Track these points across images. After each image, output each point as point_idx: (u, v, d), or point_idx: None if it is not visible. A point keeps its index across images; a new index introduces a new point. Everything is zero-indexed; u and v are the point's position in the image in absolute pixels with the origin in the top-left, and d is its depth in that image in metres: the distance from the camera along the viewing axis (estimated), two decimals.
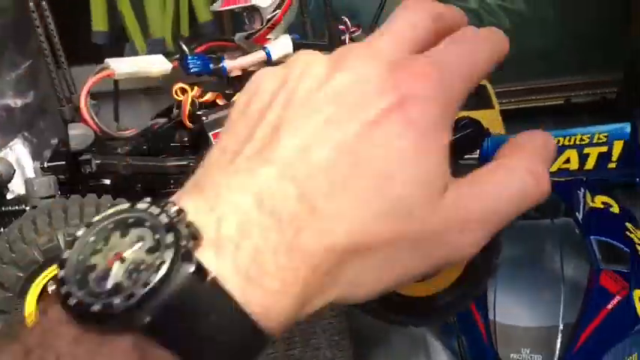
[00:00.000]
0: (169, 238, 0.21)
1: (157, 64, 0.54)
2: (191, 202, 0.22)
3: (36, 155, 1.28)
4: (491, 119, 1.00)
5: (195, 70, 0.55)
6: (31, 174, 1.30)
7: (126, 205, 0.22)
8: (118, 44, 1.24)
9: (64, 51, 1.37)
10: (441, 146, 0.24)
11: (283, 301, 0.22)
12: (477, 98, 1.04)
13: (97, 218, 0.22)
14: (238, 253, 0.21)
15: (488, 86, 1.07)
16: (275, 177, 0.23)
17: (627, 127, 0.64)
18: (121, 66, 0.53)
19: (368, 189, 0.23)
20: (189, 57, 0.55)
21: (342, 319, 0.51)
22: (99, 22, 1.19)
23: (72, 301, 0.21)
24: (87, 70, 1.41)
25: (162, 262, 0.20)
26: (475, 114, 0.99)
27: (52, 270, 0.42)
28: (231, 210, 0.22)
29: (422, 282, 0.42)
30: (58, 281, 0.21)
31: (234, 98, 0.24)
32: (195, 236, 0.21)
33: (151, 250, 0.21)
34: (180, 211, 0.22)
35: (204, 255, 0.21)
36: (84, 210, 0.42)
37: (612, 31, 1.31)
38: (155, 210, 0.22)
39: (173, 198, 0.23)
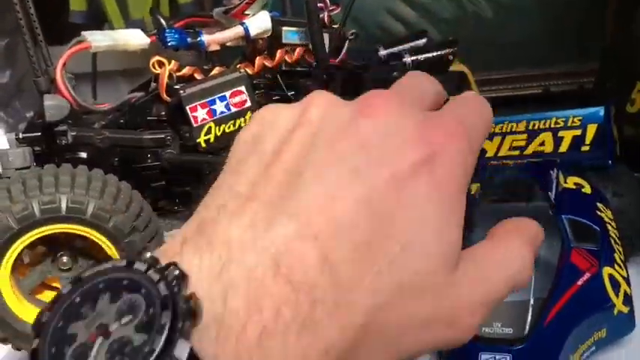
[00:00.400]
0: (164, 318, 0.18)
1: (135, 38, 0.53)
2: (196, 259, 0.19)
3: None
4: None
5: (173, 43, 0.54)
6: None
7: (123, 263, 0.19)
8: (97, 25, 1.23)
9: (41, 29, 1.36)
10: (461, 215, 0.23)
11: None
12: (458, 85, 1.04)
13: (87, 273, 0.19)
14: (243, 336, 0.18)
15: (469, 74, 1.08)
16: (295, 235, 0.20)
17: (601, 111, 0.65)
18: (98, 38, 0.53)
19: (389, 257, 0.21)
20: (167, 30, 0.54)
21: None
22: (76, 2, 1.17)
23: None
24: (65, 50, 1.40)
25: (151, 351, 0.17)
26: None
27: (28, 238, 0.42)
28: (242, 275, 0.19)
29: None
30: (31, 354, 0.18)
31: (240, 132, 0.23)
32: (194, 313, 0.18)
33: (140, 329, 0.18)
34: (182, 277, 0.19)
35: (203, 337, 0.18)
36: (59, 179, 0.42)
37: (589, 21, 1.33)
38: (154, 276, 0.18)
39: (175, 247, 0.20)
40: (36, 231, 0.41)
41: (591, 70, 1.32)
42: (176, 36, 0.54)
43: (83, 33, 0.53)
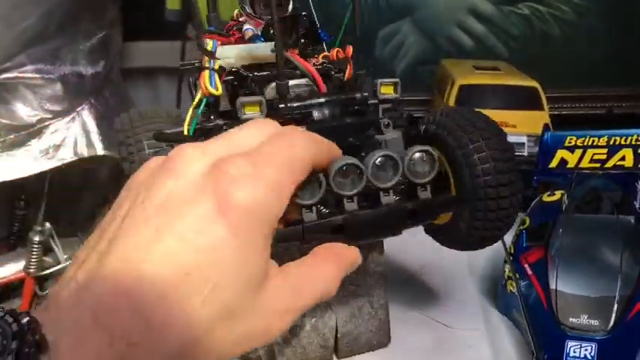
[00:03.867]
0: (13, 345, 0.22)
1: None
2: (45, 314, 0.24)
3: (100, 121, 1.35)
4: (541, 119, 1.05)
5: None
6: (95, 138, 1.38)
7: None
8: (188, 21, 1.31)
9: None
10: (261, 248, 0.26)
11: None
12: (529, 100, 1.09)
13: None
14: None
15: (540, 89, 1.12)
16: (108, 290, 0.24)
17: None
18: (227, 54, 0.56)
19: (197, 297, 0.25)
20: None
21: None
22: (173, 1, 1.25)
23: None
24: (146, 46, 1.48)
25: None
26: (526, 114, 1.05)
27: None
28: (71, 325, 0.23)
29: None
30: None
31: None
32: (40, 346, 0.23)
33: None
34: (32, 322, 0.23)
35: None
36: None
37: None
38: (9, 319, 0.23)
39: (39, 307, 0.26)
40: None
41: None
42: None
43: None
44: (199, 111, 0.51)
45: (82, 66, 1.31)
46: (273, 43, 0.55)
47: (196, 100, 0.52)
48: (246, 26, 0.58)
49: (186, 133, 0.51)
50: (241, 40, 0.58)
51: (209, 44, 0.52)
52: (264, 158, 0.28)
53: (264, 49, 0.56)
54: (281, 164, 0.28)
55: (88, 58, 1.30)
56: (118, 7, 1.39)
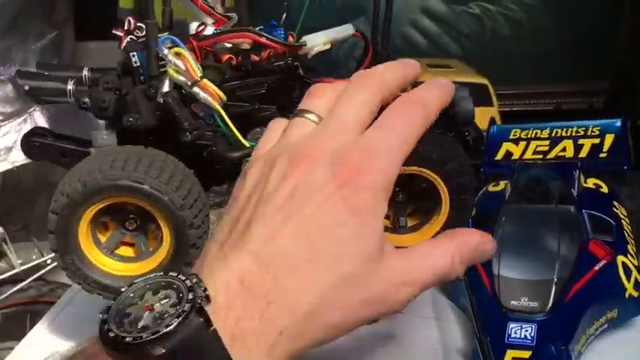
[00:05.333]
0: (190, 295, 0.30)
1: (344, 32, 0.58)
2: (202, 277, 0.31)
3: (53, 124, 1.33)
4: (490, 115, 1.08)
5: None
6: None
7: (161, 273, 0.32)
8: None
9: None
10: (377, 228, 0.33)
11: (258, 356, 0.30)
12: (479, 96, 1.12)
13: (138, 280, 0.32)
14: (227, 319, 0.30)
15: (490, 86, 1.15)
16: (251, 261, 0.31)
17: (618, 123, 0.72)
18: (312, 38, 0.57)
19: (322, 267, 0.31)
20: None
21: None
22: (125, 0, 1.24)
23: (110, 335, 0.29)
24: (97, 45, 1.46)
25: (182, 312, 0.29)
26: (476, 110, 1.08)
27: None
28: (222, 286, 0.31)
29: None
30: (101, 322, 0.30)
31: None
32: (208, 298, 0.30)
33: (174, 305, 0.30)
34: (200, 280, 0.31)
35: (211, 316, 0.29)
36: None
37: (602, 41, 1.40)
38: (182, 277, 0.31)
39: (193, 270, 0.34)
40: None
41: (602, 90, 1.40)
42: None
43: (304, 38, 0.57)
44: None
45: (34, 66, 1.28)
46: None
47: (220, 115, 0.54)
48: (209, 30, 0.58)
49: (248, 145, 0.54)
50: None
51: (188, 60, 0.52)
52: (374, 135, 0.35)
53: (345, 31, 0.59)
54: (389, 133, 0.36)
55: (39, 57, 1.28)
56: (70, 6, 1.37)
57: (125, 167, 0.48)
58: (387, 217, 0.54)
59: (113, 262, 0.51)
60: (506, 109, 1.41)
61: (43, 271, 1.49)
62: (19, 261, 1.50)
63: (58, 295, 1.59)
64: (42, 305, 1.59)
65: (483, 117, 1.01)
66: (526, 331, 0.53)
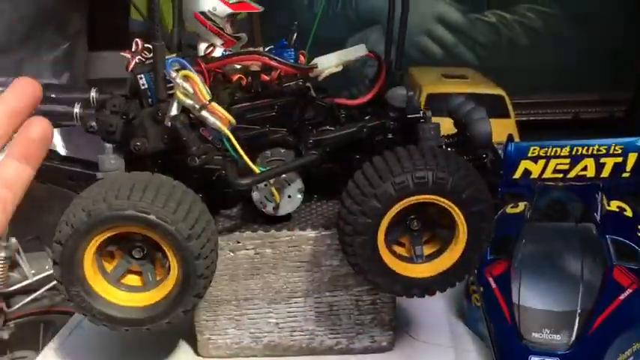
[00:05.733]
0: None
1: (357, 52, 0.57)
2: None
3: (65, 134, 1.32)
4: (507, 127, 1.06)
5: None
6: (62, 152, 1.35)
7: None
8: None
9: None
10: None
11: None
12: (496, 107, 1.10)
13: None
14: None
15: (506, 97, 1.13)
16: None
17: None
18: (324, 61, 0.56)
19: None
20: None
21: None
22: (137, 12, 1.24)
23: None
24: (110, 56, 1.46)
25: None
26: (493, 122, 1.05)
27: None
28: None
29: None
30: None
31: None
32: None
33: None
34: None
35: None
36: None
37: (623, 50, 1.37)
38: None
39: None
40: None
41: (623, 99, 1.37)
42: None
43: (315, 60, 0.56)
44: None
45: (46, 78, 1.28)
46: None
47: (229, 140, 0.51)
48: (218, 51, 0.57)
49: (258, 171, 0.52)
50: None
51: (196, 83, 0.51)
52: None
53: (358, 52, 0.57)
54: None
55: (51, 69, 1.28)
56: (83, 18, 1.37)
57: (131, 196, 0.46)
58: (402, 245, 0.53)
59: (120, 292, 0.50)
60: (523, 118, 1.38)
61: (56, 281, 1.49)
62: (32, 271, 1.50)
63: (71, 305, 1.59)
64: (55, 315, 1.59)
65: (500, 129, 0.99)
66: None
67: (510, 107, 1.13)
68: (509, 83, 1.21)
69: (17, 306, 1.51)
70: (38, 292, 1.51)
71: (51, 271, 1.53)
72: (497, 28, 1.42)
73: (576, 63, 1.41)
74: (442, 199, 0.48)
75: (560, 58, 1.41)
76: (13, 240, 1.46)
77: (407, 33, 0.64)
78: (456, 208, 0.48)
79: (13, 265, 1.49)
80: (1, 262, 1.44)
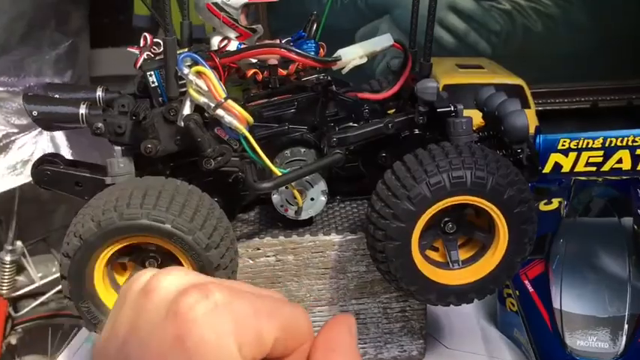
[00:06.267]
0: None
1: (382, 43, 0.53)
2: None
3: (70, 134, 1.29)
4: (529, 119, 1.01)
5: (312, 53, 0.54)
6: (65, 151, 1.32)
7: None
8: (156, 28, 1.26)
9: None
10: None
11: None
12: (515, 97, 1.05)
13: None
14: None
15: (525, 86, 1.09)
16: None
17: None
18: (349, 52, 0.51)
19: None
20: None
21: None
22: (140, 7, 1.20)
23: None
24: (114, 52, 1.42)
25: None
26: None
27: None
28: None
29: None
30: None
31: None
32: None
33: None
34: None
35: None
36: None
37: None
38: None
39: None
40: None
41: None
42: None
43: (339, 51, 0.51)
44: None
45: (48, 76, 1.25)
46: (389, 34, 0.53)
47: (247, 140, 0.48)
48: (233, 44, 0.53)
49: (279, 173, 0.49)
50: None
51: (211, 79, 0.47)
52: None
53: (383, 42, 0.53)
54: None
55: (54, 68, 1.24)
56: (85, 14, 1.33)
57: (144, 204, 0.42)
58: (436, 250, 0.49)
59: None
60: (540, 108, 1.34)
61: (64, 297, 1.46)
62: (39, 274, 1.47)
63: (81, 322, 1.56)
64: (63, 318, 1.56)
65: None
66: None
67: (530, 97, 1.09)
68: (524, 72, 1.16)
69: (25, 310, 1.49)
70: (45, 296, 1.48)
71: (57, 274, 1.51)
72: (511, 15, 1.37)
73: (593, 50, 1.36)
74: (482, 201, 0.44)
75: (576, 46, 1.36)
76: (19, 244, 1.43)
77: (418, 22, 0.60)
78: (497, 210, 0.44)
79: (19, 269, 1.47)
80: (8, 266, 1.42)
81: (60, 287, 1.37)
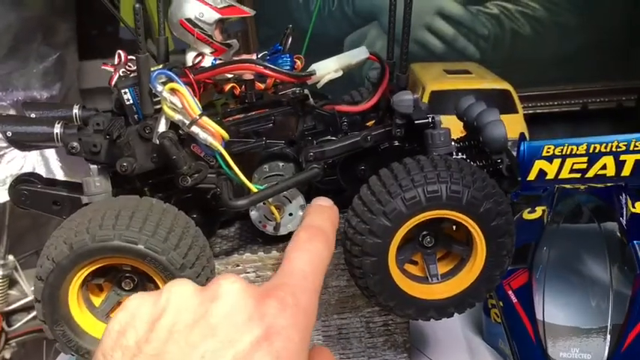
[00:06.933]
0: None
1: (358, 56, 0.52)
2: None
3: (59, 148, 1.29)
4: (515, 123, 1.02)
5: (287, 68, 0.53)
6: (55, 165, 1.31)
7: None
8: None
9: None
10: None
11: None
12: (502, 103, 1.05)
13: None
14: None
15: (513, 91, 1.09)
16: None
17: None
18: (322, 66, 0.51)
19: None
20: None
21: None
22: (129, 19, 1.20)
23: None
24: (100, 64, 1.42)
25: None
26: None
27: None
28: None
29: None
30: None
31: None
32: None
33: None
34: None
35: None
36: None
37: (632, 38, 1.33)
38: None
39: None
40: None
41: (632, 88, 1.32)
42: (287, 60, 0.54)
43: (313, 66, 0.51)
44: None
45: (36, 90, 1.24)
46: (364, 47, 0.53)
47: (223, 157, 0.47)
48: (208, 60, 0.52)
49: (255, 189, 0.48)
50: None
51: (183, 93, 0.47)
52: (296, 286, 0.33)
53: (359, 55, 0.53)
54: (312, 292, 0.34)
55: (41, 81, 1.24)
56: (72, 27, 1.33)
57: (116, 225, 0.42)
58: (415, 263, 0.48)
59: None
60: (530, 111, 1.34)
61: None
62: (32, 288, 1.46)
63: (56, 345, 1.56)
64: None
65: (508, 126, 0.94)
66: None
67: (517, 102, 1.09)
68: (514, 75, 1.16)
69: (18, 324, 1.48)
70: None
71: None
72: (499, 20, 1.37)
73: (582, 53, 1.36)
74: (458, 214, 0.44)
75: (565, 49, 1.36)
76: (11, 257, 1.42)
77: (410, 30, 0.59)
78: (474, 223, 0.44)
79: (11, 282, 1.46)
80: (0, 280, 1.41)
81: None
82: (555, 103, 1.41)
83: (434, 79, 1.13)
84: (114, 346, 0.30)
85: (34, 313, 1.49)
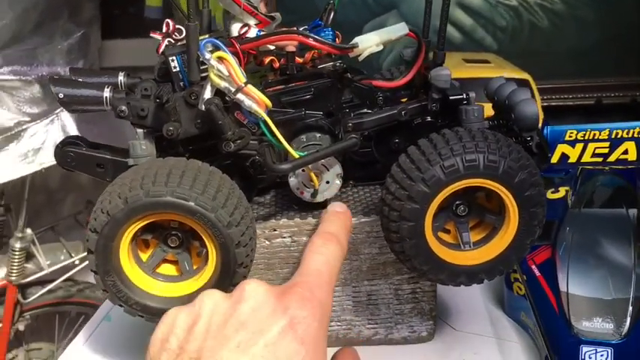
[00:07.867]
0: None
1: (398, 31, 0.53)
2: None
3: (81, 124, 1.31)
4: None
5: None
6: None
7: None
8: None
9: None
10: (324, 350, 0.37)
11: None
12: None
13: None
14: None
15: (532, 81, 1.10)
16: None
17: None
18: (366, 39, 0.53)
19: None
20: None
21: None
22: None
23: None
24: (124, 44, 1.43)
25: None
26: None
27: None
28: None
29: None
30: None
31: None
32: None
33: None
34: None
35: None
36: None
37: None
38: None
39: None
40: None
41: None
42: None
43: (356, 39, 0.53)
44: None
45: (60, 66, 1.26)
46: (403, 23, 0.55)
47: (267, 123, 0.49)
48: (252, 31, 0.54)
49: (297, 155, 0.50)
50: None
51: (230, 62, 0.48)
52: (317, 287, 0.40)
53: (399, 31, 0.55)
54: (327, 285, 0.41)
55: (66, 57, 1.26)
56: (96, 5, 1.34)
57: (169, 183, 0.44)
58: (448, 232, 0.51)
59: (156, 282, 0.48)
60: (544, 104, 1.35)
61: (71, 272, 1.48)
62: (48, 262, 1.49)
63: (86, 296, 1.58)
64: (70, 306, 1.58)
65: None
66: (602, 355, 0.49)
67: (536, 91, 1.10)
68: (530, 68, 1.17)
69: (33, 297, 1.50)
70: (53, 284, 1.50)
71: (66, 262, 1.52)
72: (518, 12, 1.39)
73: (599, 47, 1.37)
74: (493, 183, 0.46)
75: (582, 42, 1.38)
76: (29, 231, 1.45)
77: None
78: (508, 193, 0.46)
79: (28, 256, 1.49)
80: (17, 253, 1.43)
81: (68, 275, 1.38)
82: (570, 96, 1.42)
83: (453, 68, 1.13)
84: (159, 351, 0.36)
85: (48, 287, 1.51)
